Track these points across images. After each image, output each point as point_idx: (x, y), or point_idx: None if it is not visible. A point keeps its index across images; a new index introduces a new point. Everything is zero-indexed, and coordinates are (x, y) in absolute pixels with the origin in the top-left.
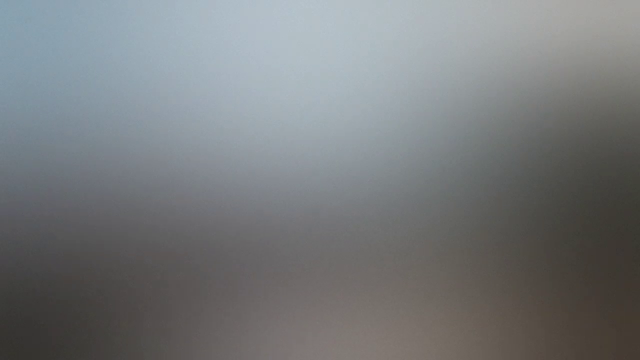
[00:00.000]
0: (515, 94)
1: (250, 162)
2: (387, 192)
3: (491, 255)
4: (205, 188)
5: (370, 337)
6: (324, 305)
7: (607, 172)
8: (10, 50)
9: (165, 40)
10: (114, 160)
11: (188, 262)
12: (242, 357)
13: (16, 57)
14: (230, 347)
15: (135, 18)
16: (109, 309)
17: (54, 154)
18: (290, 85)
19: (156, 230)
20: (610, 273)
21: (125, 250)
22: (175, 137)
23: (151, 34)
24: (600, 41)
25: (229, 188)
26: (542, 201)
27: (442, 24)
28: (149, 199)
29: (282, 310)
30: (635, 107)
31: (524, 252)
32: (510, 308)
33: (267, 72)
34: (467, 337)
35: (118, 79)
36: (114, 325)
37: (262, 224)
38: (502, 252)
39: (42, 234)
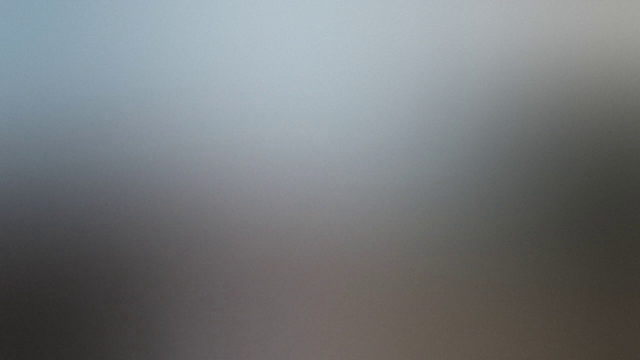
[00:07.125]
0: (519, 94)
1: (250, 163)
2: (387, 192)
3: (492, 255)
4: (205, 187)
5: (370, 337)
6: (324, 305)
7: (607, 173)
8: (10, 50)
9: (165, 40)
10: (117, 160)
11: (188, 262)
12: (243, 357)
13: (16, 58)
14: (232, 347)
15: (135, 18)
16: (109, 309)
17: (53, 153)
18: (291, 85)
19: (156, 231)
20: (610, 274)
21: (127, 251)
22: (176, 137)
23: (151, 34)
24: (600, 41)
25: (229, 188)
26: (543, 201)
27: (444, 24)
28: (150, 199)
29: (281, 310)
30: (636, 108)
31: (525, 253)
32: (511, 309)
33: (268, 72)
34: (468, 338)
35: (117, 79)
36: (115, 325)
37: (261, 224)
38: (503, 252)
39: (41, 234)
